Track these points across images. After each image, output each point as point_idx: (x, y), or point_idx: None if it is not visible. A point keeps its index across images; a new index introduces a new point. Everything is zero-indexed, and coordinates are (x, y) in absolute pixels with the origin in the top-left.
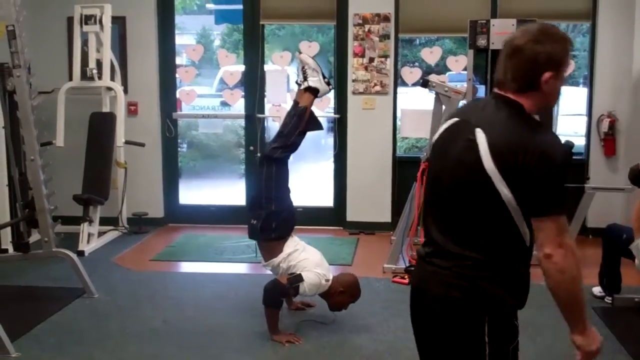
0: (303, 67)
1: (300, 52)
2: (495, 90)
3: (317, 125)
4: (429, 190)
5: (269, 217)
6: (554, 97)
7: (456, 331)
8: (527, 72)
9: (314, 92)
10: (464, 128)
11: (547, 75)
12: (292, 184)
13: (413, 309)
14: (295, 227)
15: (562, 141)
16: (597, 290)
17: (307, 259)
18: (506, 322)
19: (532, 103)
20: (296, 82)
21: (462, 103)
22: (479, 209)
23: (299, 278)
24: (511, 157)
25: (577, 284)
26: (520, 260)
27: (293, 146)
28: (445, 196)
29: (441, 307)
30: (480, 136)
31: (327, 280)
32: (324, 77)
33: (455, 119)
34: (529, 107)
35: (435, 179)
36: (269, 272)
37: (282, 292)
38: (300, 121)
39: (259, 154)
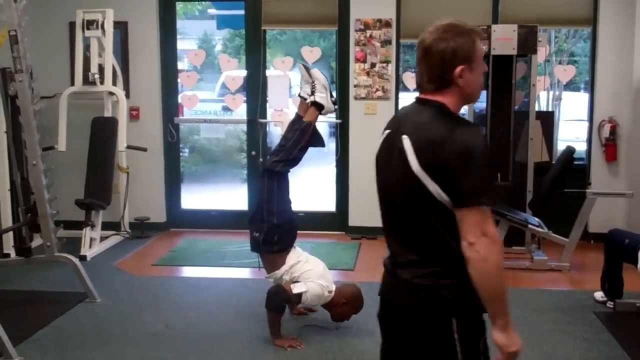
0: (313, 82)
1: (310, 67)
2: (418, 94)
3: (319, 142)
4: (380, 203)
5: (271, 230)
6: (474, 90)
7: (424, 338)
8: (438, 70)
9: (319, 107)
10: (395, 138)
11: (458, 70)
12: (294, 189)
13: (380, 320)
14: (298, 232)
15: (483, 135)
16: (599, 295)
17: (311, 270)
18: (474, 319)
19: (453, 100)
20: (299, 95)
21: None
22: (423, 215)
23: (299, 287)
24: (433, 155)
25: (500, 274)
26: None
27: (294, 161)
28: (394, 208)
29: (405, 317)
30: (407, 142)
31: (330, 292)
32: (331, 96)
33: (388, 131)
34: (452, 105)
35: (383, 192)
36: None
37: (285, 297)
38: (303, 136)
39: (260, 159)
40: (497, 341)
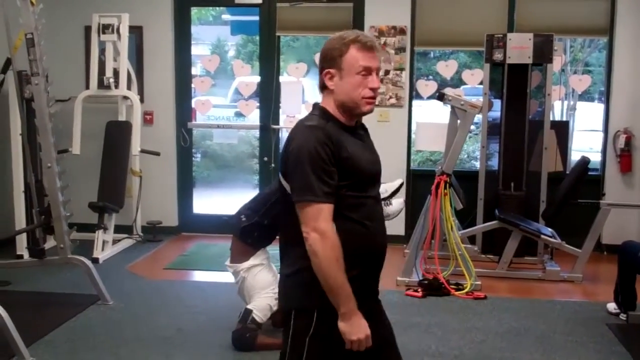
0: (388, 201)
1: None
2: None
3: None
4: None
5: (256, 226)
6: (345, 95)
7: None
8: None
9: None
10: None
11: (325, 73)
12: None
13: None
14: None
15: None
16: (612, 307)
17: (261, 280)
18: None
19: (329, 103)
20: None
21: (478, 117)
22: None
23: (247, 314)
24: (284, 157)
25: (332, 267)
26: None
27: None
28: None
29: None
30: None
31: (277, 299)
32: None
33: None
34: (330, 108)
35: None
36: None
37: (247, 338)
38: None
39: (272, 165)
40: (340, 329)
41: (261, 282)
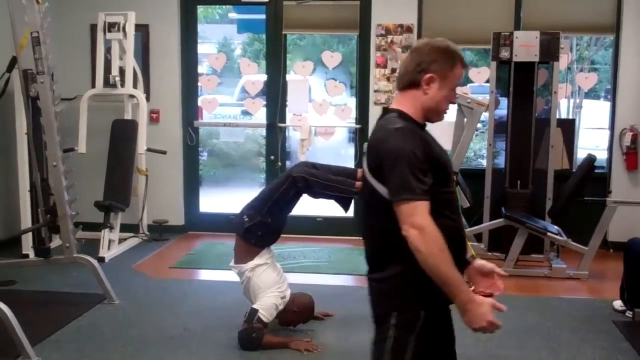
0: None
1: None
2: None
3: (345, 206)
4: None
5: (260, 225)
6: (435, 103)
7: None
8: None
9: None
10: None
11: (428, 76)
12: (303, 198)
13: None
14: (316, 236)
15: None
16: (618, 304)
17: (266, 280)
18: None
19: (410, 104)
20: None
21: (484, 115)
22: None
23: (253, 313)
24: (376, 160)
25: (438, 260)
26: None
27: (314, 193)
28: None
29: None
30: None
31: (283, 298)
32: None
33: None
34: (410, 110)
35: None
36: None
37: (253, 338)
38: (341, 192)
39: (278, 163)
40: (464, 320)
41: (266, 282)
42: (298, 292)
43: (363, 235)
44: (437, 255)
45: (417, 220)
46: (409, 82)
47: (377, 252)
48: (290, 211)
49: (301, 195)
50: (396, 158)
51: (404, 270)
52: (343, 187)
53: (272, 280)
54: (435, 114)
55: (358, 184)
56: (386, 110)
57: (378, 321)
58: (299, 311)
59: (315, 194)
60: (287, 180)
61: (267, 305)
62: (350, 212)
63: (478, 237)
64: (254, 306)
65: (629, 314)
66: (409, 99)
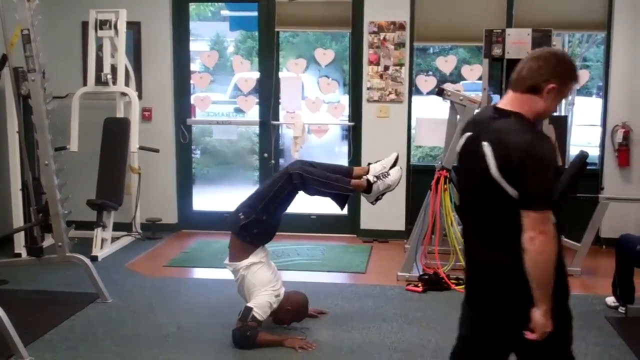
0: (386, 173)
1: (400, 167)
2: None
3: (341, 203)
4: (461, 199)
5: (255, 223)
6: (547, 111)
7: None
8: None
9: (367, 188)
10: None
11: (551, 85)
12: (297, 195)
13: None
14: (310, 234)
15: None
16: (610, 300)
17: (260, 278)
18: None
19: (529, 108)
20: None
21: (476, 112)
22: (496, 211)
23: (247, 312)
24: (509, 161)
25: (551, 266)
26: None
27: (310, 191)
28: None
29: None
30: (487, 148)
31: (277, 296)
32: (381, 195)
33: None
34: (528, 113)
35: (463, 189)
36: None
37: (247, 336)
38: (338, 189)
39: (272, 161)
40: (537, 321)
41: (261, 280)
42: (292, 290)
43: (472, 221)
44: (551, 262)
45: (548, 228)
46: (530, 87)
47: (497, 236)
48: (286, 209)
49: (297, 193)
50: (540, 166)
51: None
52: (339, 185)
53: (266, 279)
54: (541, 119)
55: (354, 182)
56: (501, 111)
57: (495, 299)
58: (293, 309)
59: (311, 191)
60: (284, 177)
61: (262, 303)
62: (345, 210)
63: None
64: (249, 304)
65: (621, 310)
66: (527, 103)
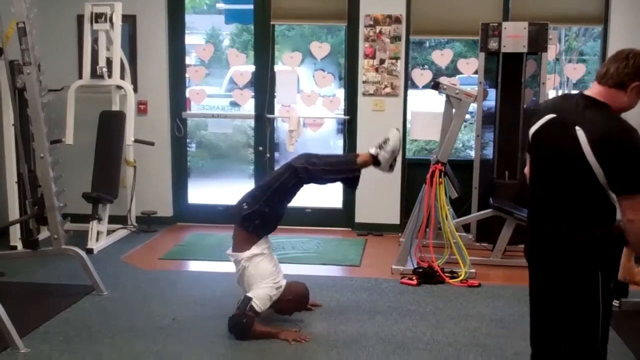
0: (386, 140)
1: (397, 129)
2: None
3: (352, 185)
4: (536, 176)
5: (258, 214)
6: (627, 107)
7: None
8: None
9: (375, 162)
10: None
11: (636, 84)
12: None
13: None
14: (305, 228)
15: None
16: None
17: (262, 270)
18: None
19: (614, 101)
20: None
21: (473, 106)
22: (577, 190)
23: (246, 301)
24: (606, 149)
25: None
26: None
27: (317, 180)
28: (553, 184)
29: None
30: (580, 133)
31: (278, 288)
32: (393, 162)
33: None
34: (613, 106)
35: (539, 168)
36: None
37: (243, 323)
38: (344, 173)
39: (267, 155)
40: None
41: (262, 272)
42: (293, 280)
43: (547, 200)
44: None
45: None
46: (617, 83)
47: (579, 217)
48: (289, 202)
49: (302, 186)
50: (637, 156)
51: (605, 233)
52: (345, 168)
53: (267, 271)
54: (622, 112)
55: (359, 160)
56: (593, 100)
57: (579, 276)
58: (294, 299)
59: (320, 181)
60: (288, 170)
61: (261, 295)
62: (339, 204)
63: (466, 228)
64: (248, 294)
65: (615, 303)
66: (613, 97)
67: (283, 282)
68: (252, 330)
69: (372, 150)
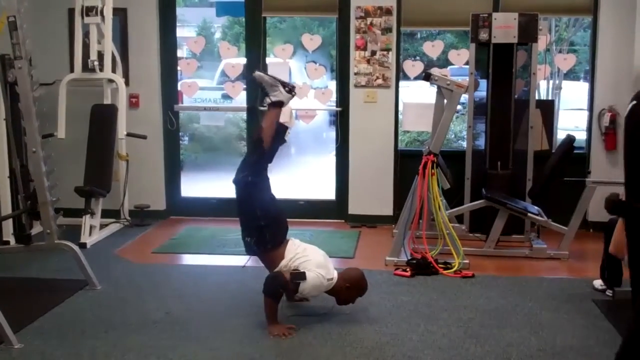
0: (262, 86)
1: (255, 71)
2: None
3: (281, 141)
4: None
5: (261, 231)
6: None
7: None
8: None
9: (278, 105)
10: None
11: None
12: (294, 178)
13: None
14: (298, 220)
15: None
16: (598, 283)
17: (309, 260)
18: None
19: None
20: (260, 107)
21: (464, 97)
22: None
23: (302, 276)
24: None
25: None
26: None
27: (259, 170)
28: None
29: None
30: None
31: (329, 280)
32: (285, 86)
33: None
34: None
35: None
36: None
37: (282, 284)
38: (260, 144)
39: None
40: None
41: (311, 263)
42: (346, 267)
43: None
44: None
45: None
46: None
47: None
48: (268, 199)
49: (259, 181)
50: None
51: None
52: (259, 141)
53: (316, 260)
54: None
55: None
56: None
57: None
58: (352, 286)
59: (260, 167)
60: (237, 187)
61: (314, 281)
62: (332, 195)
63: (459, 219)
64: (307, 272)
65: (609, 293)
66: None
67: (334, 274)
68: (272, 300)
69: (267, 105)
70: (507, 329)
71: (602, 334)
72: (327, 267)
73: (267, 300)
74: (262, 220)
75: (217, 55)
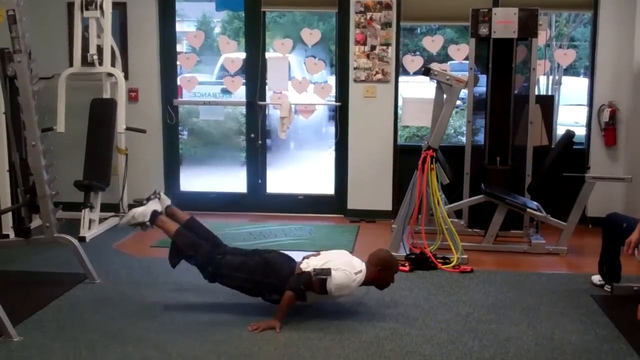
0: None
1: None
2: None
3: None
4: None
5: (273, 289)
6: None
7: None
8: None
9: (152, 218)
10: None
11: None
12: (293, 172)
13: None
14: (297, 215)
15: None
16: (596, 278)
17: (330, 261)
18: None
19: None
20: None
21: (464, 92)
22: None
23: (326, 272)
24: None
25: None
26: None
27: (210, 262)
28: None
29: None
30: None
31: (357, 273)
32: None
33: None
34: None
35: None
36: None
37: (306, 281)
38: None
39: (259, 142)
40: None
41: (334, 262)
42: (371, 252)
43: None
44: None
45: None
46: None
47: None
48: (248, 268)
49: (222, 265)
50: None
51: None
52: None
53: (340, 259)
54: None
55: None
56: None
57: None
58: (384, 267)
59: (201, 262)
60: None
61: (341, 280)
62: (331, 190)
63: (458, 214)
64: (332, 270)
65: (607, 288)
66: None
67: (362, 267)
68: (290, 297)
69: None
70: (506, 324)
71: (600, 329)
72: (351, 263)
73: (287, 294)
74: (266, 287)
75: (216, 50)
